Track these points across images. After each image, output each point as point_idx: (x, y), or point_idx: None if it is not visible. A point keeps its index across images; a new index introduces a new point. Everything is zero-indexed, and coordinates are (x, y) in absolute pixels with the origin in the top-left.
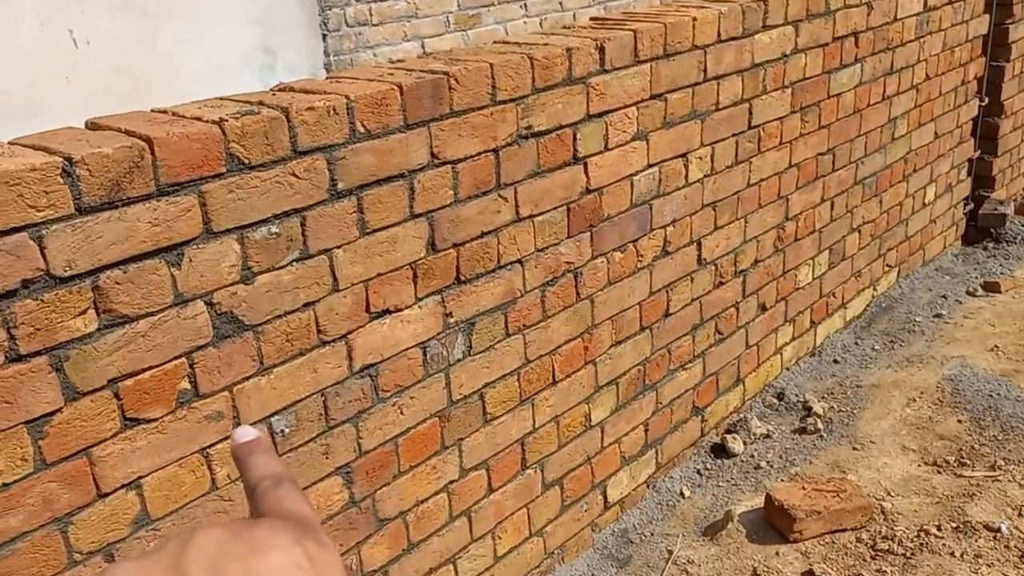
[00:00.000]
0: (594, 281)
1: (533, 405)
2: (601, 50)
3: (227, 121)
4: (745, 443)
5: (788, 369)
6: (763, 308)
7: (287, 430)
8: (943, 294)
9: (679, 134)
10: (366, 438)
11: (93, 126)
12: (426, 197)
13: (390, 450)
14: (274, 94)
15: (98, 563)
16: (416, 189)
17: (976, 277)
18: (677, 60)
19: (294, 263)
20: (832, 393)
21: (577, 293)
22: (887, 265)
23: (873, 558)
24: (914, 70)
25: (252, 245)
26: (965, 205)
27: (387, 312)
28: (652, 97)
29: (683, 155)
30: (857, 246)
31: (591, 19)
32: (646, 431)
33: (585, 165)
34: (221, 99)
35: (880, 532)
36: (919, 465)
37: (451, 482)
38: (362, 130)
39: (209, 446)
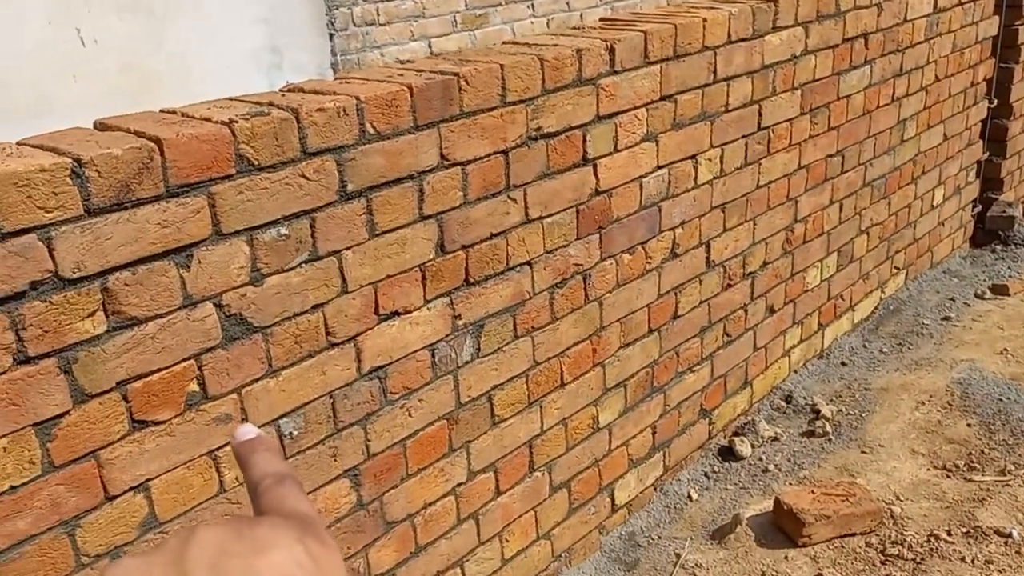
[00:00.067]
0: (603, 283)
1: (541, 407)
2: (611, 51)
3: (237, 122)
4: (753, 446)
5: (796, 372)
6: (771, 310)
7: (296, 432)
8: (951, 297)
9: (689, 135)
10: (374, 440)
11: (102, 126)
12: (435, 198)
13: (398, 453)
14: (284, 95)
15: (105, 566)
16: (425, 190)
17: (984, 280)
18: (687, 61)
19: (303, 265)
20: (840, 396)
21: (586, 295)
22: (895, 267)
23: (883, 563)
24: (923, 72)
25: (261, 247)
26: (973, 207)
27: (396, 314)
28: (662, 98)
29: (692, 157)
30: (865, 248)
31: (600, 20)
32: (654, 433)
33: (594, 166)
34: (230, 100)
35: (890, 537)
36: (928, 469)
37: (459, 485)
38: (372, 131)
39: (217, 448)
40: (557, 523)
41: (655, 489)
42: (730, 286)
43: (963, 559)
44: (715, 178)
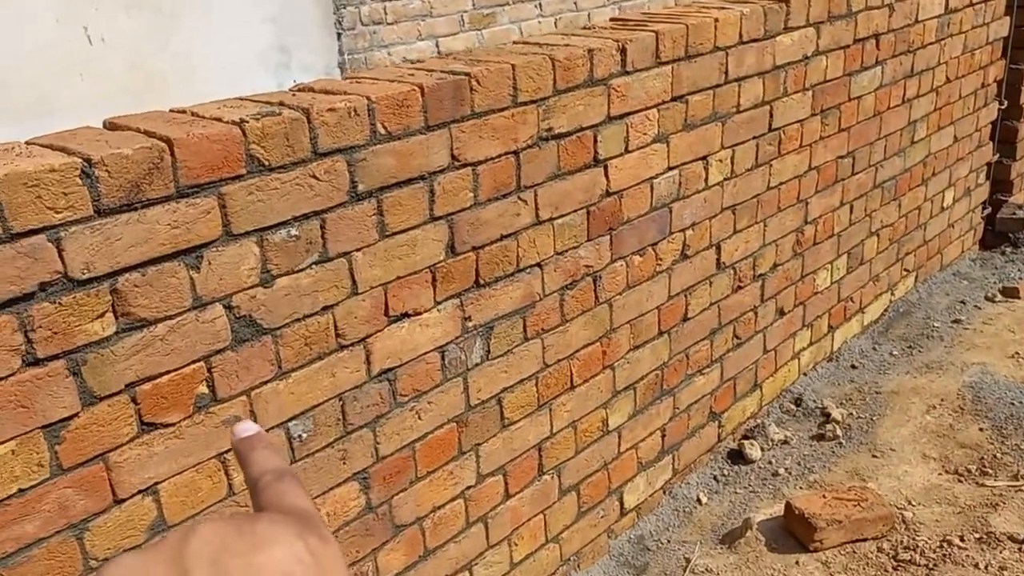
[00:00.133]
0: (613, 285)
1: (551, 410)
2: (623, 51)
3: (248, 122)
4: (763, 449)
5: (805, 374)
6: (781, 312)
7: (305, 435)
8: (961, 299)
9: (700, 136)
10: (383, 443)
11: (111, 126)
12: (446, 199)
13: (407, 455)
14: (294, 94)
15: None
16: (436, 191)
17: (994, 282)
18: (699, 62)
19: (313, 266)
20: (850, 399)
21: (596, 297)
22: (904, 269)
23: (895, 568)
24: (934, 73)
25: (271, 248)
26: (983, 209)
27: (406, 316)
28: (673, 99)
29: (703, 158)
30: (875, 250)
31: (611, 20)
32: (663, 436)
33: (605, 167)
34: (241, 99)
35: (902, 542)
36: (940, 474)
37: (468, 488)
38: (383, 131)
39: (226, 451)
40: (566, 526)
41: (664, 492)
42: (740, 288)
43: (976, 565)
44: (726, 179)
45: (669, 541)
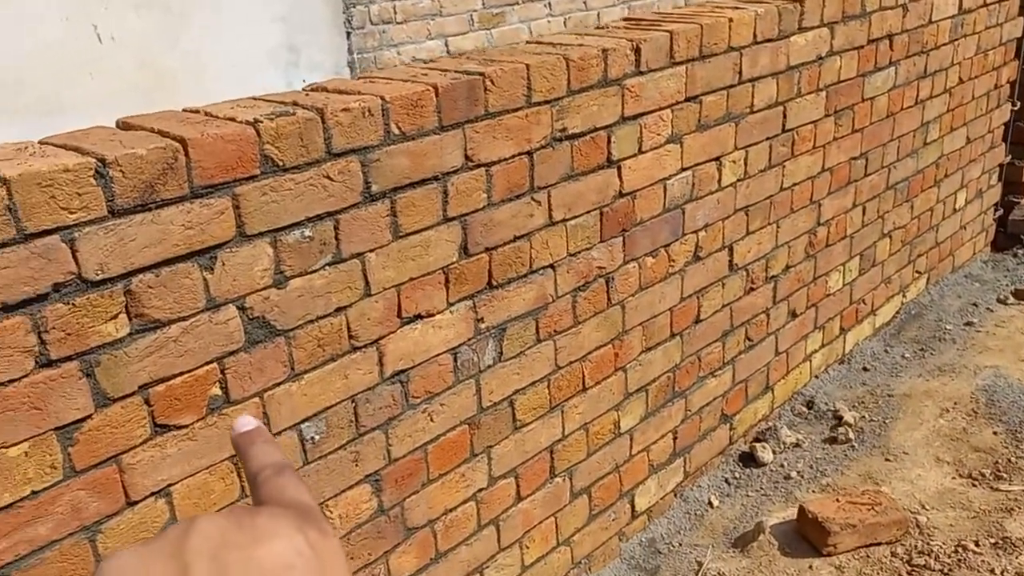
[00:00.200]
0: (626, 286)
1: (563, 412)
2: (637, 51)
3: (262, 122)
4: (775, 452)
5: (817, 377)
6: (793, 314)
7: (317, 437)
8: (973, 301)
9: (713, 137)
10: (396, 445)
11: (125, 126)
12: (459, 200)
13: (419, 458)
14: (308, 94)
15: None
16: (450, 192)
17: (1006, 284)
18: (713, 62)
19: (327, 267)
20: (863, 402)
21: (608, 299)
22: (916, 271)
23: (910, 573)
24: (947, 73)
25: (285, 249)
26: (995, 211)
27: (419, 317)
28: (687, 99)
29: (716, 159)
30: (888, 252)
31: (624, 19)
32: (675, 439)
33: (619, 168)
34: (254, 99)
35: (916, 547)
36: (954, 478)
37: (480, 490)
38: (397, 132)
39: None
40: (577, 529)
41: (675, 495)
42: (752, 290)
43: (992, 571)
44: (739, 180)
45: (681, 544)
